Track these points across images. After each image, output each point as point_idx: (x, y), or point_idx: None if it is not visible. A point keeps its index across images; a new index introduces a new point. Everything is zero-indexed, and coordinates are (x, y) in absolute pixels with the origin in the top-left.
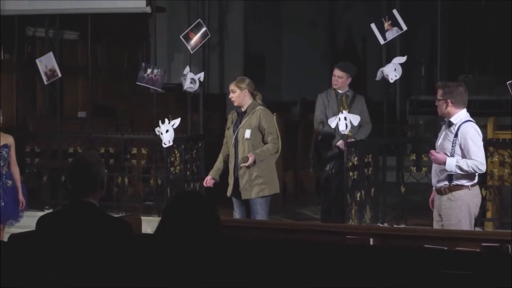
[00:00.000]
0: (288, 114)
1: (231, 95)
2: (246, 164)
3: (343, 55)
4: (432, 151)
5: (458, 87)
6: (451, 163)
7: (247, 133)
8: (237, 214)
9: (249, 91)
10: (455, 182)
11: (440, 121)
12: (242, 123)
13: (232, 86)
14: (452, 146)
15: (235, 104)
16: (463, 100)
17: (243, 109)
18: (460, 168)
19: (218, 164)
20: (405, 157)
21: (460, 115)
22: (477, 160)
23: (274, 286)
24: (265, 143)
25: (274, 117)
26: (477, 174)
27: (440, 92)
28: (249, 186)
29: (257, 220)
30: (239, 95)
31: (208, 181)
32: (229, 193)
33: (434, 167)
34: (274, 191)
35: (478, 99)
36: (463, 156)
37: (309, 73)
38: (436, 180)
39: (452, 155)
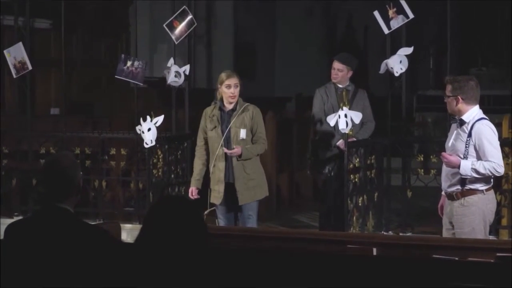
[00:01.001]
0: (282, 111)
1: (234, 90)
2: (230, 152)
3: (343, 46)
4: (444, 154)
5: (469, 82)
6: (466, 166)
7: (243, 133)
8: (222, 222)
9: None
10: (469, 187)
11: (450, 120)
12: (233, 121)
13: (235, 79)
14: (466, 147)
15: (233, 101)
16: (475, 96)
17: (229, 107)
18: (476, 171)
19: (199, 171)
20: (412, 158)
21: (473, 113)
22: (495, 162)
23: None
24: (253, 142)
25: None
26: (492, 177)
27: (449, 87)
28: (245, 189)
29: (248, 228)
30: (240, 90)
31: (194, 192)
32: (218, 200)
33: (445, 170)
34: (266, 194)
35: (492, 94)
36: (478, 157)
37: (305, 66)
38: (447, 185)
39: (465, 157)
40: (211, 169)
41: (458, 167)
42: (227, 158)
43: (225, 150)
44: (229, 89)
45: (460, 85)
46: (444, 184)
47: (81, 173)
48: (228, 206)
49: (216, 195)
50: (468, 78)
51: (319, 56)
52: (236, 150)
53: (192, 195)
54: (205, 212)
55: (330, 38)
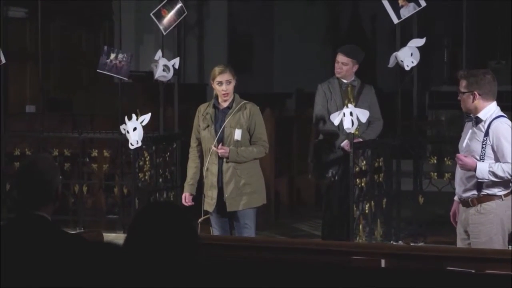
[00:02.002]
0: (281, 109)
1: (225, 87)
2: (217, 150)
3: (348, 36)
4: (459, 155)
5: (485, 76)
6: (483, 169)
7: (238, 134)
8: (216, 231)
9: None
10: (485, 192)
11: (465, 118)
12: (227, 120)
13: (226, 75)
14: (482, 147)
15: (227, 98)
16: (492, 91)
17: (225, 104)
18: (494, 174)
19: (193, 175)
20: (424, 161)
21: (490, 110)
22: None
23: None
24: (252, 144)
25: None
26: None
27: (463, 83)
28: (236, 195)
29: (245, 238)
30: (233, 86)
31: (188, 198)
32: (211, 207)
33: (459, 173)
34: (263, 201)
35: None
36: (496, 159)
37: (306, 59)
38: (462, 189)
39: (482, 159)
40: (204, 173)
41: (474, 170)
42: (220, 162)
43: (213, 147)
44: (220, 86)
45: (476, 79)
46: (458, 189)
47: (60, 177)
48: (222, 213)
49: (209, 201)
50: (484, 72)
51: (321, 48)
52: (223, 150)
53: (185, 201)
54: (199, 220)
55: (334, 28)
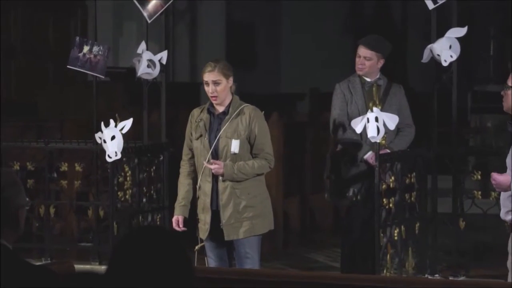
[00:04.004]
0: (291, 113)
1: (212, 88)
2: (209, 166)
3: (372, 25)
4: (494, 174)
5: None
6: None
7: (234, 145)
8: (212, 262)
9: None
10: None
11: (508, 125)
12: (223, 129)
13: (213, 74)
14: None
15: (216, 102)
16: None
17: (221, 109)
18: None
19: (185, 194)
20: (466, 177)
21: None
22: None
23: None
24: (253, 157)
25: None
26: None
27: None
28: (236, 221)
29: (247, 270)
30: (225, 88)
31: (180, 222)
32: (204, 233)
33: (503, 194)
34: (269, 227)
35: None
36: None
37: (322, 53)
38: (505, 212)
39: None
40: (197, 192)
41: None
42: (215, 177)
43: (205, 163)
44: (207, 87)
45: None
46: (502, 211)
47: (26, 198)
48: (218, 241)
49: (202, 226)
50: None
51: (340, 39)
52: (216, 165)
53: (178, 226)
54: (196, 248)
55: (355, 15)
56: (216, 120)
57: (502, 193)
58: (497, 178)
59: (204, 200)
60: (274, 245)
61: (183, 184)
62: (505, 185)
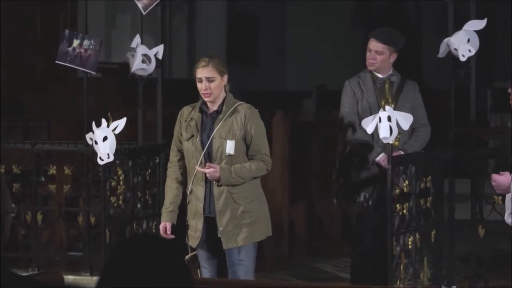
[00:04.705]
0: (297, 112)
1: (205, 85)
2: (204, 170)
3: (383, 18)
4: (495, 175)
5: None
6: None
7: (230, 146)
8: (207, 272)
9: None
10: None
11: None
12: (217, 128)
13: (207, 71)
14: None
15: (209, 99)
16: None
17: (213, 107)
18: None
19: (172, 198)
20: (485, 181)
21: None
22: None
23: None
24: (249, 159)
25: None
26: None
27: None
28: (234, 227)
29: (249, 281)
30: (219, 85)
31: (168, 228)
32: (194, 241)
33: (507, 196)
34: (267, 233)
35: None
36: None
37: (329, 47)
38: (507, 214)
39: None
40: (188, 196)
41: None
42: (208, 181)
43: (198, 168)
44: (200, 83)
45: None
46: (505, 214)
47: (12, 204)
48: (212, 250)
49: (193, 233)
50: None
51: (348, 32)
52: (212, 169)
53: (165, 233)
54: (186, 258)
55: (365, 6)
56: (208, 120)
57: (506, 195)
58: (497, 178)
59: (196, 205)
60: (279, 254)
61: (171, 188)
62: (505, 186)
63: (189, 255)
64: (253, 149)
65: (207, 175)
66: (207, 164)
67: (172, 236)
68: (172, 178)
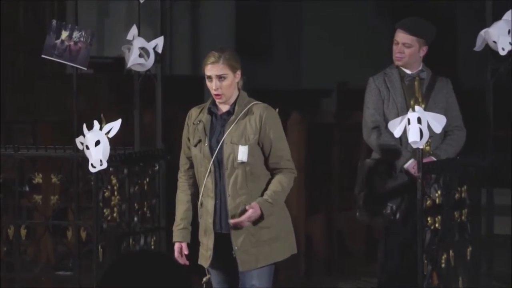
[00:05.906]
0: (315, 113)
1: (216, 84)
2: (241, 220)
3: (411, 6)
4: None
5: None
6: None
7: (242, 152)
8: None
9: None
10: None
11: None
12: (228, 132)
13: (217, 67)
14: None
15: (222, 100)
16: None
17: (225, 108)
18: None
19: (184, 214)
20: None
21: None
22: None
23: None
24: (270, 168)
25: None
26: None
27: None
28: (252, 246)
29: None
30: (231, 83)
31: (184, 249)
32: (206, 261)
33: None
34: (291, 251)
35: None
36: None
37: (351, 40)
38: None
39: None
40: (198, 210)
41: None
42: (220, 192)
43: (231, 221)
44: (210, 82)
45: None
46: None
47: None
48: (225, 271)
49: (204, 252)
50: None
51: (373, 23)
52: (251, 211)
53: (181, 254)
54: (204, 280)
55: None
56: (218, 122)
57: None
58: None
59: (206, 220)
60: (295, 273)
61: (182, 202)
62: None
63: (206, 277)
64: (274, 155)
65: (246, 221)
66: (246, 207)
67: (187, 262)
68: (182, 190)
